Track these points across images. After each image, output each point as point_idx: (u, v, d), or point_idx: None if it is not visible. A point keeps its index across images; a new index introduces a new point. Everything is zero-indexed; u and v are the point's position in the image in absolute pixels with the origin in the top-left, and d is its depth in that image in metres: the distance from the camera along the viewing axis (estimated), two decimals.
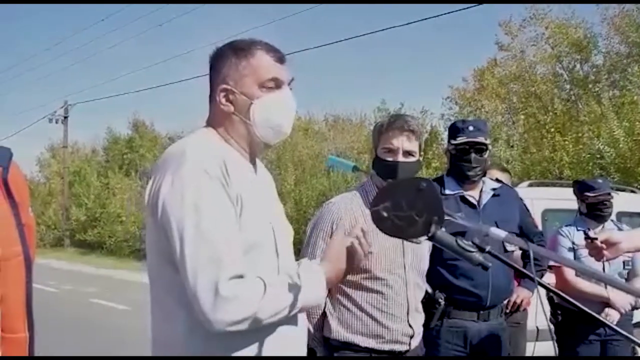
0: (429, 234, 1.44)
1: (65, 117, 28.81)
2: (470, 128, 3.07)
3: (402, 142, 2.37)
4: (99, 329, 7.84)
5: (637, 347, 5.10)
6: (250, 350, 1.53)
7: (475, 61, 17.67)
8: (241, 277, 1.44)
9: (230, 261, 1.44)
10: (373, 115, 19.84)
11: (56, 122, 28.88)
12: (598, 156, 12.50)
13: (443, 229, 1.46)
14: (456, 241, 1.48)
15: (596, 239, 2.19)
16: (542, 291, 4.13)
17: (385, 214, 1.41)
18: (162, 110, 44.81)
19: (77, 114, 34.35)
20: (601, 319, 1.49)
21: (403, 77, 36.14)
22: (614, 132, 12.09)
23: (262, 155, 1.84)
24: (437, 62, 34.86)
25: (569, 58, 15.90)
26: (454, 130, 3.12)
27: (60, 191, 28.67)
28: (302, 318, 1.66)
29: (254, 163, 1.70)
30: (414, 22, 12.57)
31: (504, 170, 4.59)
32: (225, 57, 1.64)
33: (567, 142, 13.27)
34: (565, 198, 5.40)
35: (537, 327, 4.59)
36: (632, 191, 6.71)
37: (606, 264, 3.63)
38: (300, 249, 2.38)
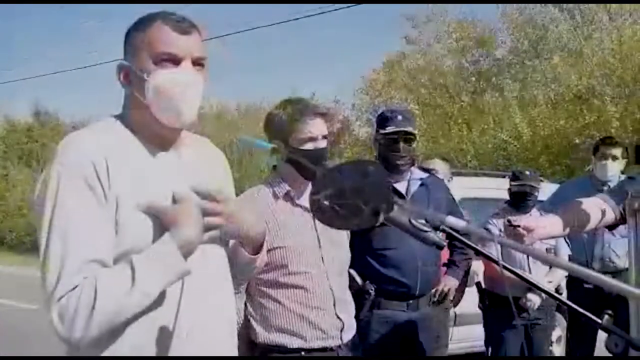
0: (377, 224, 1.28)
1: None
2: (399, 117, 3.05)
3: (320, 127, 2.30)
4: (4, 332, 7.23)
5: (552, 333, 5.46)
6: None
7: (387, 53, 18.07)
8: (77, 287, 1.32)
9: (67, 273, 1.32)
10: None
11: None
12: (502, 147, 13.12)
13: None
14: (410, 220, 1.35)
15: (519, 225, 2.25)
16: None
17: (326, 203, 1.22)
18: (69, 98, 41.95)
19: None
20: (536, 283, 1.47)
21: (314, 66, 36.19)
22: (517, 124, 12.73)
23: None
24: (349, 53, 35.15)
25: (473, 51, 16.56)
26: (383, 119, 3.09)
27: None
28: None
29: (167, 148, 1.49)
30: (328, 11, 12.47)
31: (445, 160, 4.70)
32: (128, 32, 1.49)
33: (473, 133, 13.82)
34: (480, 187, 5.61)
35: (455, 313, 4.77)
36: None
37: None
38: None
